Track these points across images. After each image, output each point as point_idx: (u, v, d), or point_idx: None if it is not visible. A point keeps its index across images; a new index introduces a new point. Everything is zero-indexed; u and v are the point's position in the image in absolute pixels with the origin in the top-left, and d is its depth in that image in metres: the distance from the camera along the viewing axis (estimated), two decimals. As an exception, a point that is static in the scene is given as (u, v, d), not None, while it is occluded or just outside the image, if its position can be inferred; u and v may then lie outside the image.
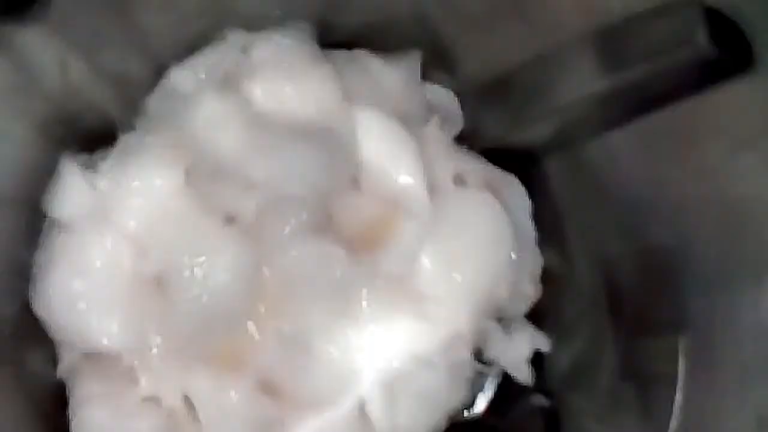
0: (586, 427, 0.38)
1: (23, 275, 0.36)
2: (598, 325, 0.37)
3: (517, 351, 0.37)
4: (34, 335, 0.36)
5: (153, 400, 0.35)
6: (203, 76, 0.36)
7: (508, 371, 0.37)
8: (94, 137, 0.37)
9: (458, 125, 0.39)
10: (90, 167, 0.36)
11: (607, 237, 0.37)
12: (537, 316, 0.39)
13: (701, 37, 0.30)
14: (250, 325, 0.34)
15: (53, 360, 0.36)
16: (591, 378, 0.37)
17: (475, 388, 0.38)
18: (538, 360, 0.38)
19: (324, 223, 0.34)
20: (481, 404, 0.39)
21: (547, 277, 0.38)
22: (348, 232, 0.35)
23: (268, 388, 0.34)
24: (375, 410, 0.34)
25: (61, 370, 0.36)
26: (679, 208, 0.34)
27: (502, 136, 0.38)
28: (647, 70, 0.32)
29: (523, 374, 0.37)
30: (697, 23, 0.30)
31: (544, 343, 0.38)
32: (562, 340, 0.39)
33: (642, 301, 0.36)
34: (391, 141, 0.35)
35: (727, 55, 0.30)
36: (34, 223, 0.36)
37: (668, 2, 0.31)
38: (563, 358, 0.39)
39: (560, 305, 0.39)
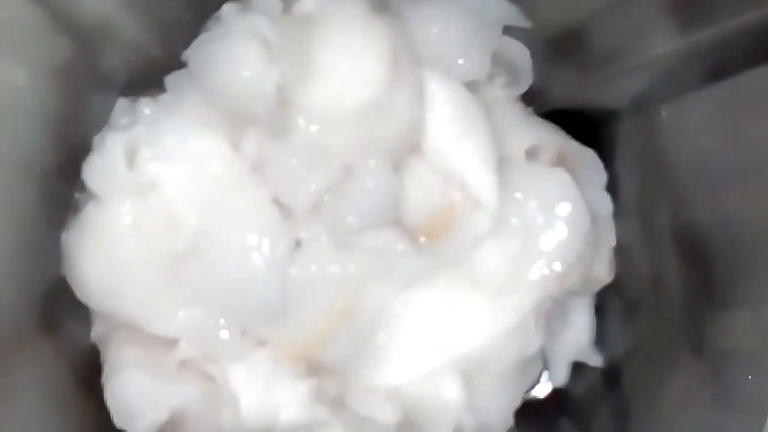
0: (654, 405, 0.36)
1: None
2: (667, 300, 0.35)
3: (581, 335, 0.36)
4: (70, 299, 0.33)
5: (190, 364, 0.34)
6: (244, 24, 0.31)
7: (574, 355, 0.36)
8: (136, 82, 0.34)
9: (527, 82, 0.35)
10: (131, 117, 0.33)
11: (674, 207, 0.34)
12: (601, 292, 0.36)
13: None
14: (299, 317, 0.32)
15: (88, 323, 0.35)
16: (658, 352, 0.35)
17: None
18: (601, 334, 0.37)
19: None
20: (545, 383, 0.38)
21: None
22: (411, 221, 0.32)
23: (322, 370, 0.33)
24: (450, 392, 0.32)
25: (95, 335, 0.35)
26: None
27: (574, 96, 0.35)
28: (738, 28, 0.28)
29: (588, 358, 0.36)
30: None
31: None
32: (628, 316, 0.37)
33: (713, 274, 0.33)
34: (461, 118, 0.32)
35: None
36: (63, 192, 0.33)
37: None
38: (629, 332, 0.37)
39: (626, 279, 0.36)
